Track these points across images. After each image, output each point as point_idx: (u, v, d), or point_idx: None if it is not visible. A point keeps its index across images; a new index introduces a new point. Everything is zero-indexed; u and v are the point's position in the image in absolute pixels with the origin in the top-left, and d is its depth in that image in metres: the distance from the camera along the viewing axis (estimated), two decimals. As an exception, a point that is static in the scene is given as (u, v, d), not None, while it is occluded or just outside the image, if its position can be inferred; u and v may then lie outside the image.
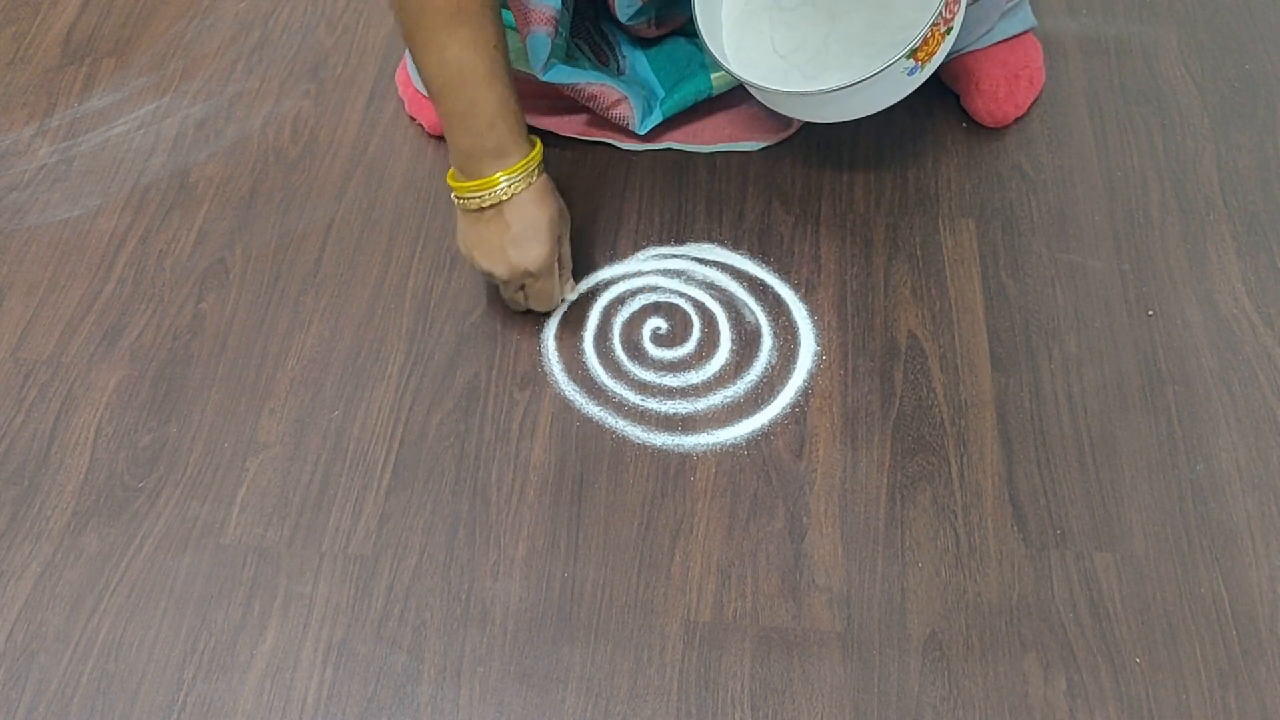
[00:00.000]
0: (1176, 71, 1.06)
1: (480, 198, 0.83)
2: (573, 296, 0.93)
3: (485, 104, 0.81)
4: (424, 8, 0.78)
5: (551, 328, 0.92)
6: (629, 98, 0.97)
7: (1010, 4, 1.01)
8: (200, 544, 0.82)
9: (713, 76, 0.99)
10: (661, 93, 1.00)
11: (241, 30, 1.15)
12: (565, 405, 0.88)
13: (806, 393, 0.88)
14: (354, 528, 0.83)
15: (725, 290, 0.94)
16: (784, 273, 0.94)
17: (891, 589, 0.78)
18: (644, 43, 1.02)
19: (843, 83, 0.82)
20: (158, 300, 0.95)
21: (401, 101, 1.07)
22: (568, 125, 1.01)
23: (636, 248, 0.97)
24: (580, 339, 0.92)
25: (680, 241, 0.97)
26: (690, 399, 0.88)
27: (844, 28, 0.91)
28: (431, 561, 0.81)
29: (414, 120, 1.05)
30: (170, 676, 0.77)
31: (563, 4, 0.94)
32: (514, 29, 0.92)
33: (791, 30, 0.92)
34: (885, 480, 0.83)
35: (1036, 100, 1.04)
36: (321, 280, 0.96)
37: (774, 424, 0.86)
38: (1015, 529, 0.81)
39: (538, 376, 0.90)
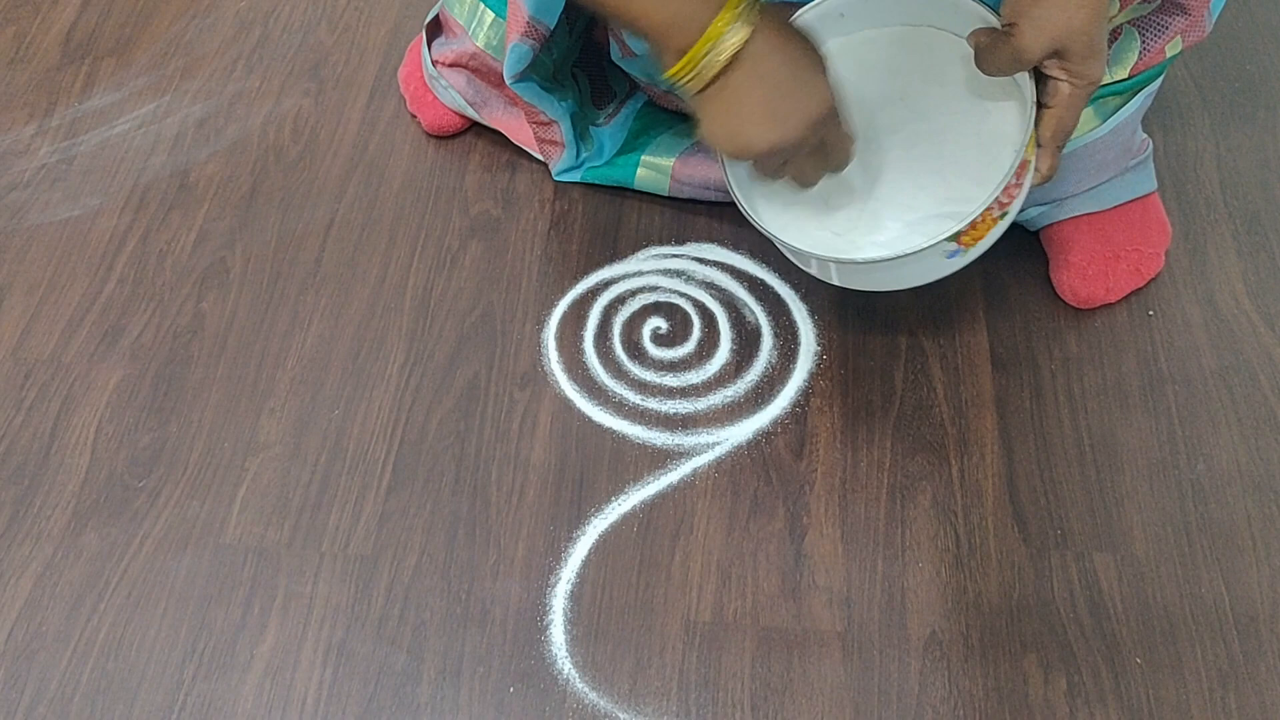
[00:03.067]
0: (1177, 71, 1.05)
1: (724, 48, 0.65)
2: (854, 149, 0.75)
3: None
4: None
5: (551, 327, 0.92)
6: (566, 147, 0.95)
7: (1134, 160, 0.87)
8: (200, 544, 0.82)
9: (638, 172, 0.96)
10: (601, 158, 0.97)
11: (242, 29, 1.15)
12: (565, 405, 0.88)
13: (807, 392, 0.88)
14: (354, 528, 0.83)
15: (725, 290, 0.94)
16: (784, 273, 0.94)
17: (892, 589, 0.78)
18: (651, 99, 0.98)
19: (872, 256, 0.72)
20: (158, 300, 0.95)
21: (403, 100, 1.07)
22: (522, 133, 1.00)
23: (637, 247, 0.97)
24: (580, 339, 0.92)
25: (681, 241, 0.97)
26: (690, 399, 0.88)
27: (888, 187, 0.78)
28: (431, 561, 0.81)
29: (414, 118, 1.05)
30: (170, 676, 0.77)
31: (568, 31, 0.93)
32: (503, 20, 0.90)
33: (828, 180, 0.79)
34: (885, 480, 0.83)
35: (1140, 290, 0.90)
36: (321, 280, 0.96)
37: (774, 424, 0.86)
38: (1015, 529, 0.80)
39: (538, 376, 0.90)
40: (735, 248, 0.96)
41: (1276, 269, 0.92)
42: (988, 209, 0.69)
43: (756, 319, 0.92)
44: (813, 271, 0.79)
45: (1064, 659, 0.75)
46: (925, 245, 0.70)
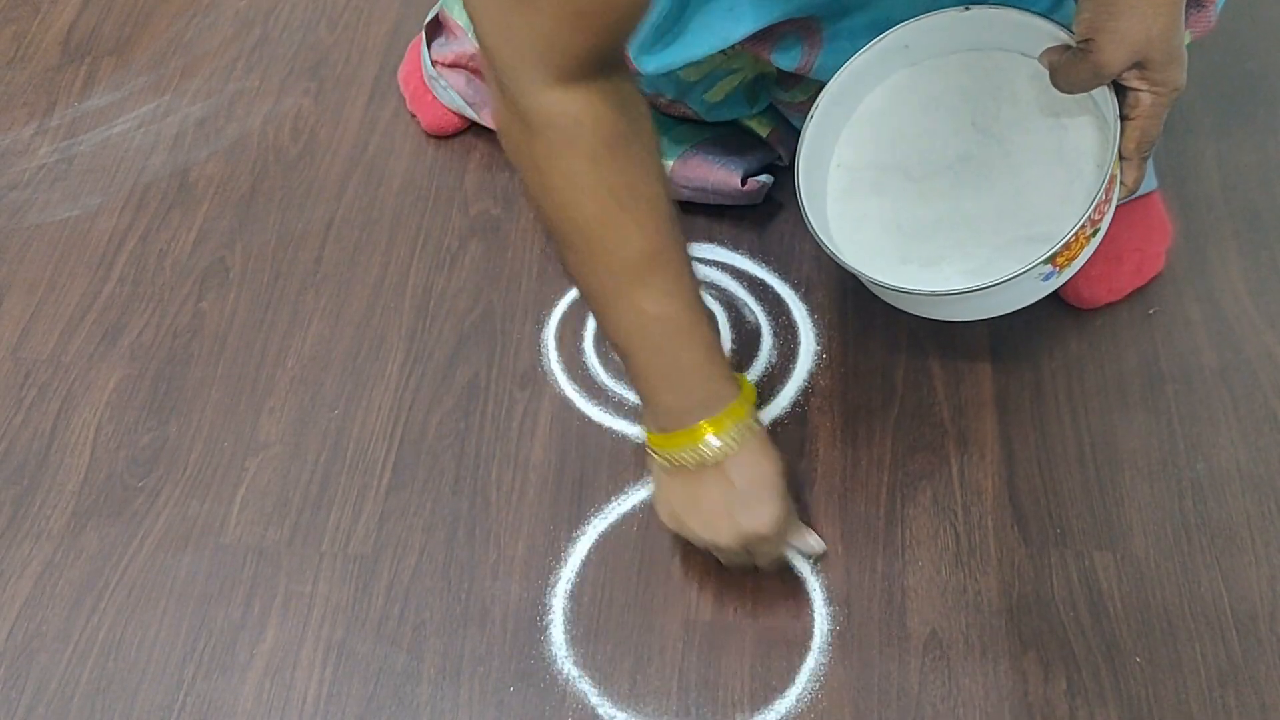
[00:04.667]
0: (1177, 70, 1.05)
1: (697, 454, 0.71)
2: (821, 547, 0.78)
3: (693, 356, 0.70)
4: (613, 265, 0.67)
5: (551, 327, 0.92)
6: None
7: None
8: (200, 543, 0.82)
9: None
10: None
11: (242, 29, 1.15)
12: (565, 405, 0.88)
13: (807, 392, 0.88)
14: (354, 527, 0.83)
15: (725, 290, 0.94)
16: (784, 272, 0.94)
17: (891, 588, 0.78)
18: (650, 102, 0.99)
19: (966, 286, 0.70)
20: (158, 300, 0.95)
21: (402, 100, 1.07)
22: None
23: (636, 247, 0.96)
24: (580, 339, 0.92)
25: (680, 241, 0.96)
26: (690, 398, 0.88)
27: (969, 213, 0.76)
28: (431, 561, 0.81)
29: (414, 117, 1.05)
30: (170, 676, 0.77)
31: None
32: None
33: (905, 202, 0.79)
34: (885, 479, 0.83)
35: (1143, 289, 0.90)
36: (321, 279, 0.96)
37: (774, 423, 0.86)
38: (1015, 528, 0.80)
39: (538, 376, 0.90)
40: (735, 248, 0.96)
41: (1277, 268, 0.92)
42: (1080, 228, 0.68)
43: (756, 319, 0.92)
44: (892, 302, 0.79)
45: (1064, 658, 0.75)
46: (1021, 271, 0.69)
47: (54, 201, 1.03)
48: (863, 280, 0.76)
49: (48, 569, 0.82)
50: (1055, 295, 0.90)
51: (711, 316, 0.73)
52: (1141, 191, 0.89)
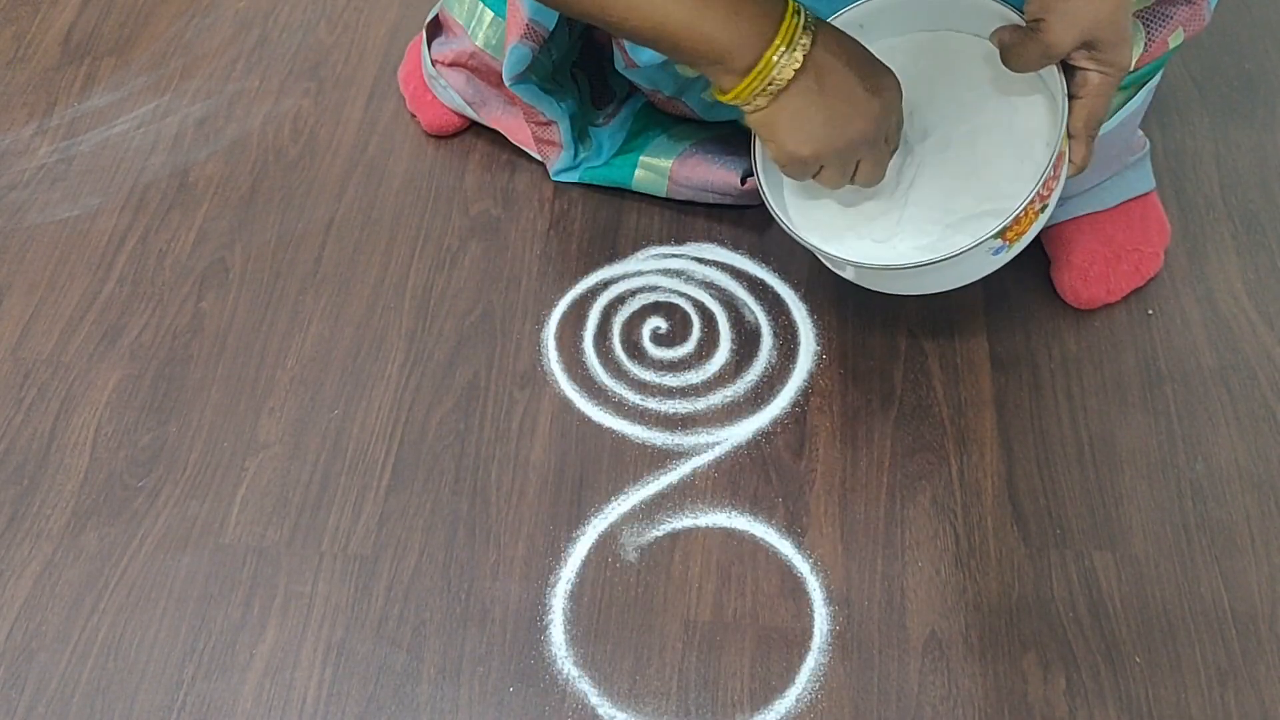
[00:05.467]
0: (1175, 70, 1.05)
1: (774, 75, 0.65)
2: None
3: None
4: None
5: (551, 327, 0.92)
6: (564, 147, 0.96)
7: (1133, 158, 0.87)
8: (200, 544, 0.82)
9: (636, 173, 0.96)
10: (599, 159, 0.98)
11: (241, 29, 1.15)
12: (565, 405, 0.88)
13: (806, 392, 0.88)
14: (354, 527, 0.83)
15: (725, 290, 0.94)
16: (784, 272, 0.94)
17: (891, 588, 0.78)
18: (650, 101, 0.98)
19: (919, 260, 0.72)
20: (157, 300, 0.95)
21: (402, 99, 1.07)
22: (520, 133, 1.00)
23: (636, 247, 0.97)
24: (580, 338, 0.92)
25: (680, 241, 0.97)
26: (690, 398, 0.88)
27: (924, 191, 0.78)
28: (431, 561, 0.81)
29: (414, 118, 1.05)
30: (170, 676, 0.77)
31: (568, 32, 0.92)
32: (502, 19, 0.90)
33: (864, 189, 0.80)
34: (885, 479, 0.83)
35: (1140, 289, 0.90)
36: (321, 280, 0.96)
37: (774, 423, 0.86)
38: (1015, 528, 0.81)
39: (538, 376, 0.90)
40: (735, 248, 0.96)
41: (1275, 268, 0.92)
42: (1029, 203, 0.69)
43: (756, 319, 0.92)
44: (850, 277, 0.79)
45: (1063, 658, 0.75)
46: (971, 245, 0.70)
47: (54, 201, 1.03)
48: (819, 256, 0.77)
49: (47, 569, 0.82)
50: (1053, 295, 0.91)
51: None
52: (1139, 191, 0.90)
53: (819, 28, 0.66)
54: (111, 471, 0.86)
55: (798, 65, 0.65)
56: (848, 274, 0.79)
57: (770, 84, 0.66)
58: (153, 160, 1.05)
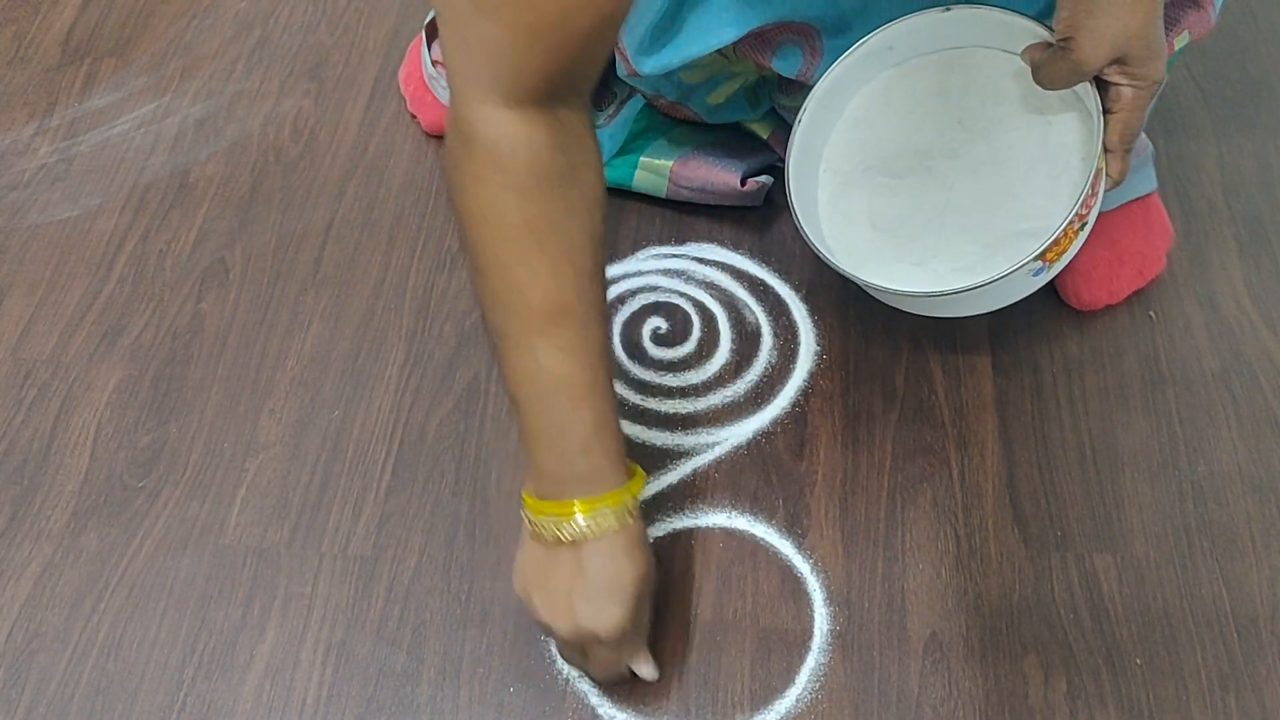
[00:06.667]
0: (1179, 74, 1.05)
1: (558, 529, 0.67)
2: (653, 676, 0.73)
3: (580, 424, 0.67)
4: (518, 306, 0.65)
5: (552, 328, 0.92)
6: None
7: (1137, 159, 0.86)
8: (200, 544, 0.82)
9: (636, 174, 0.96)
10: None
11: (242, 30, 1.15)
12: (565, 405, 0.88)
13: (807, 393, 0.88)
14: (354, 528, 0.83)
15: (725, 290, 0.94)
16: (784, 273, 0.94)
17: (892, 590, 0.78)
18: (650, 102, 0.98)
19: (959, 286, 0.71)
20: (158, 300, 0.95)
21: (403, 100, 1.07)
22: None
23: (636, 247, 0.97)
24: (580, 339, 0.91)
25: (680, 241, 0.97)
26: (690, 399, 0.88)
27: (959, 211, 0.77)
28: (431, 562, 0.81)
29: (414, 118, 1.05)
30: (170, 676, 0.77)
31: None
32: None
33: (895, 202, 0.79)
34: (886, 481, 0.83)
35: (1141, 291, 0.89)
36: (321, 280, 0.96)
37: (774, 424, 0.86)
38: (1016, 530, 0.80)
39: (538, 377, 0.89)
40: (735, 248, 0.96)
41: (1278, 271, 0.92)
42: (1069, 223, 0.68)
43: (756, 319, 0.92)
44: (889, 302, 0.79)
45: (1064, 660, 0.75)
46: (1012, 268, 0.69)
47: (54, 201, 1.03)
48: (857, 283, 0.77)
49: (47, 569, 0.82)
50: (1055, 297, 0.90)
51: (614, 395, 0.69)
52: (1142, 193, 0.89)
53: (625, 523, 0.68)
54: (111, 472, 0.86)
55: (593, 538, 0.67)
56: (885, 299, 0.79)
57: (558, 528, 0.67)
58: (153, 160, 1.05)
